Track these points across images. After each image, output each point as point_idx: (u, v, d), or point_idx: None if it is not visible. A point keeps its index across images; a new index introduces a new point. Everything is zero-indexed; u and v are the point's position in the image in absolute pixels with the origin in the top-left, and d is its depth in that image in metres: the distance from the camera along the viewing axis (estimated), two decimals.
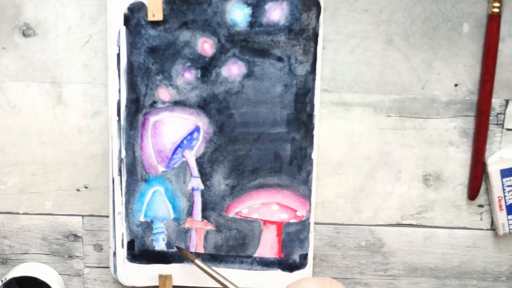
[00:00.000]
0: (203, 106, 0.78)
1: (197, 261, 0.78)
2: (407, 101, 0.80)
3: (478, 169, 0.81)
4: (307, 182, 0.80)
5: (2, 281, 0.80)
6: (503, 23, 0.77)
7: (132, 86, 0.77)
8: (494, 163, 0.80)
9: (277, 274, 0.83)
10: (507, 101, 0.80)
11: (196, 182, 0.80)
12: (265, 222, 0.81)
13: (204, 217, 0.81)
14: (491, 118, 0.80)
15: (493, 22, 0.76)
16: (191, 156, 0.79)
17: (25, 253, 0.85)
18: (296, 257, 0.82)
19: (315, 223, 0.83)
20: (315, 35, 0.76)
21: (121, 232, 0.81)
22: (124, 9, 0.75)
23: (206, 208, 0.81)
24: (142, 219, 0.81)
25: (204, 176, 0.80)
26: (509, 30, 0.78)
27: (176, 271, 0.83)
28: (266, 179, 0.80)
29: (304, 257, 0.82)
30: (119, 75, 0.77)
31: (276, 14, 0.75)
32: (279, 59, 0.76)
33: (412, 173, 0.82)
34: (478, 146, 0.80)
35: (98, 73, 0.79)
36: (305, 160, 0.79)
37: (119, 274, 0.83)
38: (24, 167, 0.82)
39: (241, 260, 0.82)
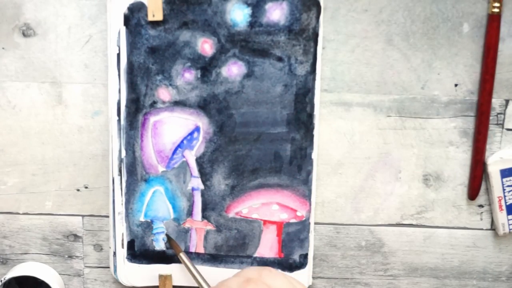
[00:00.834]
0: (203, 106, 0.78)
1: (181, 255, 0.78)
2: (407, 101, 0.80)
3: (478, 169, 0.81)
4: (307, 182, 0.80)
5: (1, 281, 0.80)
6: (503, 23, 0.77)
7: (132, 86, 0.77)
8: (494, 163, 0.80)
9: None
10: (507, 101, 0.80)
11: (196, 182, 0.80)
12: (265, 222, 0.81)
13: (204, 217, 0.81)
14: (491, 118, 0.80)
15: (493, 22, 0.76)
16: (191, 156, 0.79)
17: (25, 253, 0.85)
18: (296, 257, 0.82)
19: (315, 223, 0.83)
20: (315, 35, 0.76)
21: (121, 232, 0.81)
22: (124, 9, 0.75)
23: (206, 208, 0.81)
24: (142, 219, 0.81)
25: (204, 176, 0.80)
26: (509, 30, 0.78)
27: (176, 271, 0.83)
28: (266, 179, 0.80)
29: (304, 257, 0.82)
30: (119, 75, 0.77)
31: (276, 14, 0.75)
32: (279, 59, 0.76)
33: (412, 173, 0.82)
34: (478, 146, 0.80)
35: (98, 73, 0.79)
36: (305, 160, 0.79)
37: (119, 274, 0.83)
38: (24, 167, 0.82)
39: (241, 260, 0.82)
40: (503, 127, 0.81)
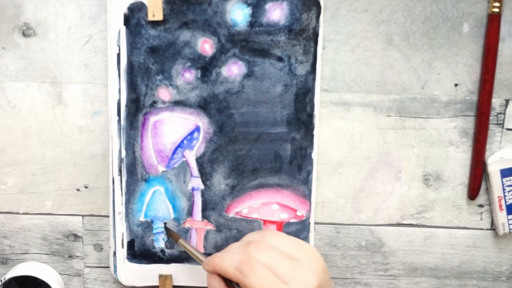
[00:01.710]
0: (203, 106, 0.78)
1: (181, 241, 0.78)
2: (407, 101, 0.80)
3: (478, 169, 0.81)
4: (307, 182, 0.80)
5: (1, 280, 0.80)
6: (503, 23, 0.77)
7: (132, 86, 0.77)
8: (494, 163, 0.80)
9: None
10: (507, 101, 0.80)
11: (196, 182, 0.80)
12: (265, 222, 0.81)
13: (204, 217, 0.81)
14: (491, 118, 0.80)
15: (493, 22, 0.76)
16: (191, 156, 0.79)
17: (25, 253, 0.85)
18: None
19: (315, 223, 0.83)
20: (315, 35, 0.76)
21: (121, 232, 0.81)
22: (124, 9, 0.75)
23: (206, 208, 0.81)
24: (142, 219, 0.81)
25: (204, 176, 0.80)
26: (509, 30, 0.78)
27: (176, 271, 0.83)
28: (266, 179, 0.80)
29: None
30: (119, 75, 0.77)
31: (276, 14, 0.75)
32: (279, 59, 0.76)
33: (412, 173, 0.82)
34: (478, 146, 0.80)
35: (98, 73, 0.79)
36: (305, 160, 0.79)
37: (119, 274, 0.83)
38: (24, 167, 0.82)
39: None
40: (503, 127, 0.81)
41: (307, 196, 0.80)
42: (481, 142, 0.80)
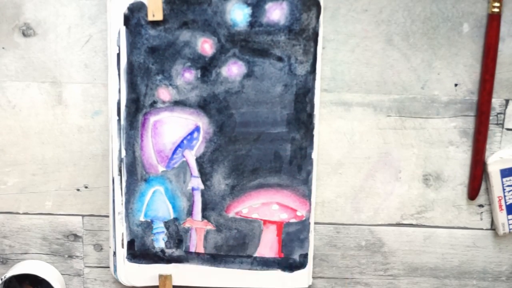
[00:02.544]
0: (203, 106, 0.78)
1: None
2: (407, 101, 0.80)
3: (478, 169, 0.81)
4: (307, 182, 0.80)
5: (2, 279, 0.80)
6: (503, 23, 0.77)
7: (132, 86, 0.77)
8: (494, 163, 0.80)
9: (277, 274, 0.83)
10: (507, 101, 0.80)
11: (196, 182, 0.80)
12: (265, 222, 0.81)
13: (204, 217, 0.81)
14: (491, 118, 0.80)
15: (493, 22, 0.76)
16: (191, 156, 0.79)
17: (25, 253, 0.85)
18: (296, 257, 0.82)
19: (315, 223, 0.83)
20: (315, 35, 0.76)
21: (121, 232, 0.81)
22: (124, 9, 0.75)
23: (206, 208, 0.81)
24: (142, 219, 0.81)
25: (204, 176, 0.80)
26: (509, 30, 0.78)
27: (176, 271, 0.83)
28: (266, 179, 0.80)
29: (304, 257, 0.82)
30: (119, 75, 0.77)
31: (276, 14, 0.75)
32: (279, 59, 0.76)
33: (412, 173, 0.82)
34: (478, 146, 0.80)
35: (98, 73, 0.79)
36: (305, 160, 0.79)
37: (119, 274, 0.83)
38: (24, 167, 0.82)
39: (241, 260, 0.82)
40: (503, 127, 0.81)
41: (307, 196, 0.80)
42: (481, 142, 0.80)
